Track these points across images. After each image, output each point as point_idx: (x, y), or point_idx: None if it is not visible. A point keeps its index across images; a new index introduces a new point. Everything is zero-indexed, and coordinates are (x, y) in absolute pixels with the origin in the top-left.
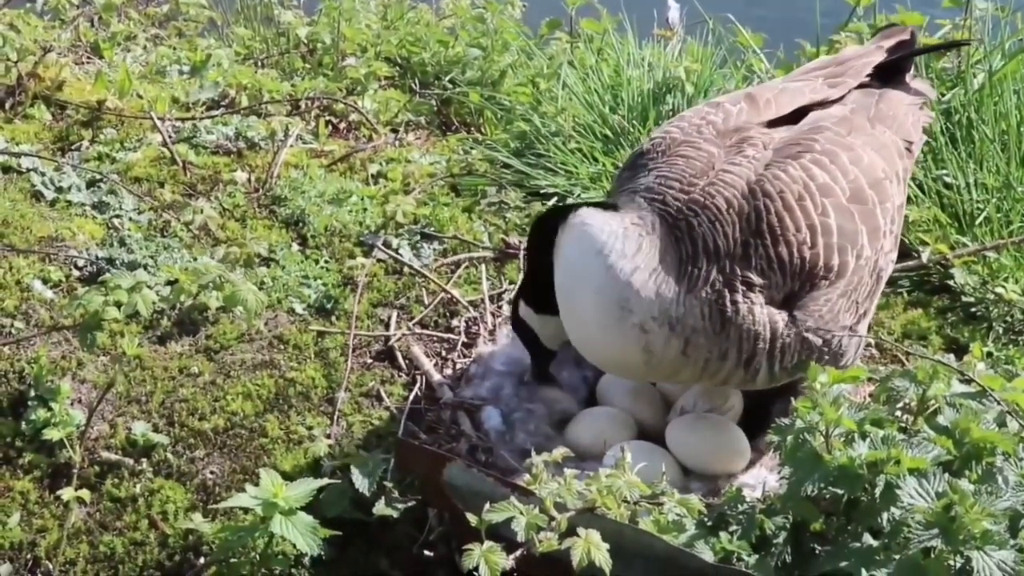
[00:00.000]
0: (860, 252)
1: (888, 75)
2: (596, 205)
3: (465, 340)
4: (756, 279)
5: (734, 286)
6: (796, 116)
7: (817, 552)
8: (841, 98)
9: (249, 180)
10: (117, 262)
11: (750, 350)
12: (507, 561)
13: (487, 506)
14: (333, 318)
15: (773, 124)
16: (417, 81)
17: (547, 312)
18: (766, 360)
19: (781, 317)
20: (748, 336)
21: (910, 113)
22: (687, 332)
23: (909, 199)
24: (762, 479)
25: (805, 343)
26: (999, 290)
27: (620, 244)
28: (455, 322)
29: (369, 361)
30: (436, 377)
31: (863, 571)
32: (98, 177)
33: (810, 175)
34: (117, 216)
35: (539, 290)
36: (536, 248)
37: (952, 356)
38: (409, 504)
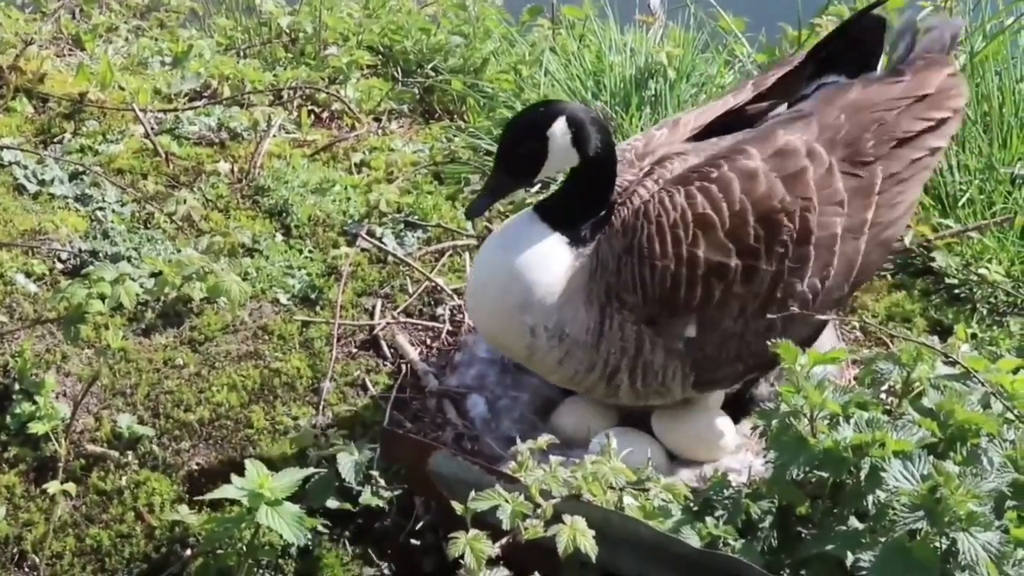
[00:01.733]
0: (728, 288)
1: (860, 59)
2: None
3: (450, 328)
4: (628, 297)
5: (612, 301)
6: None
7: (803, 536)
8: (767, 98)
9: (232, 170)
10: (100, 254)
11: (615, 365)
12: (493, 549)
13: (473, 494)
14: (318, 308)
15: (703, 136)
16: (399, 69)
17: (590, 158)
18: (628, 377)
19: (647, 337)
20: (615, 351)
21: (882, 137)
22: (569, 345)
23: None
24: (747, 463)
25: (665, 366)
26: (982, 271)
27: (554, 253)
28: (440, 310)
29: (354, 350)
30: (421, 366)
31: (849, 554)
32: (81, 169)
33: (691, 203)
34: (100, 208)
35: (602, 141)
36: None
37: (936, 338)
38: (396, 493)
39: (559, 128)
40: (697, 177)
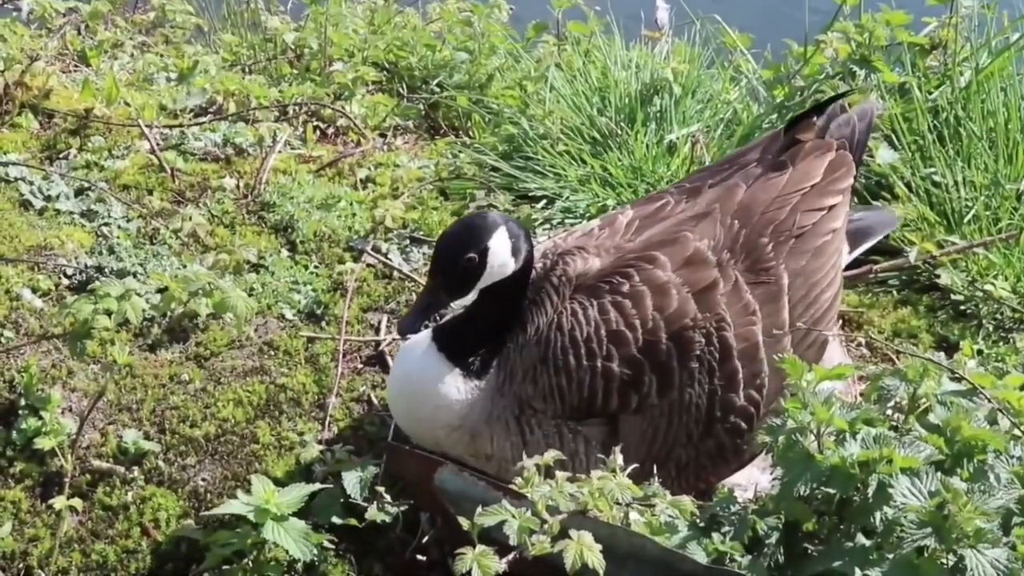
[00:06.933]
0: (644, 400)
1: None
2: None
3: None
4: (539, 405)
5: (525, 411)
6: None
7: (810, 552)
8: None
9: (238, 186)
10: (106, 270)
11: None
12: (500, 565)
13: (479, 510)
14: (323, 323)
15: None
16: (405, 85)
17: (521, 268)
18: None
19: (567, 430)
20: (540, 451)
21: (773, 240)
22: (499, 461)
23: (896, 197)
24: (754, 480)
25: (587, 456)
26: (988, 287)
27: (454, 393)
28: None
29: (360, 366)
30: None
31: (857, 571)
32: (86, 185)
33: (605, 319)
34: (106, 224)
35: (530, 254)
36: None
37: (942, 354)
38: (401, 508)
39: (499, 240)
40: (608, 290)
